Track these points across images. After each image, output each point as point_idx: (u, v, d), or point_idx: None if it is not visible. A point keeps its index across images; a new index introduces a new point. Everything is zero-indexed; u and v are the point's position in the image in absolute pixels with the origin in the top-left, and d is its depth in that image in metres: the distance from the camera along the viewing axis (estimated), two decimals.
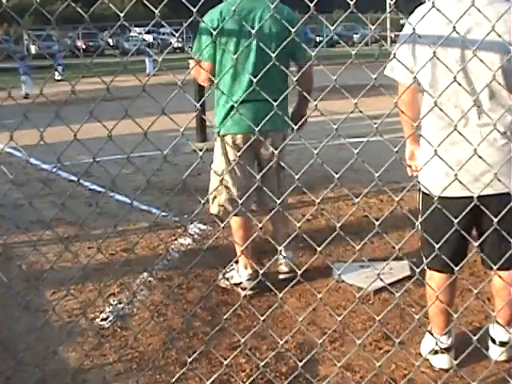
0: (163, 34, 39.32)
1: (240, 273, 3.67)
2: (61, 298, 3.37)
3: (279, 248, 1.65)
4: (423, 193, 2.54)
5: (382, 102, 6.01)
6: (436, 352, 2.71)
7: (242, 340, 2.03)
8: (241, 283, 3.64)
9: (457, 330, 2.86)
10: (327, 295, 3.48)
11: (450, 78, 2.33)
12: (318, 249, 1.85)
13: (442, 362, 2.71)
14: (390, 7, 26.37)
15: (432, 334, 2.70)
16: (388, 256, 3.98)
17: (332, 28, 1.52)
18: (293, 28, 3.14)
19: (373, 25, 1.61)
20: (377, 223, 1.57)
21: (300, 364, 1.88)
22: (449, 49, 2.43)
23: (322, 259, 3.85)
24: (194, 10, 1.49)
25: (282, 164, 3.42)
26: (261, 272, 1.78)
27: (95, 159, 1.66)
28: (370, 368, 2.70)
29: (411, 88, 2.49)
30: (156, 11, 1.59)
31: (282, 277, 3.69)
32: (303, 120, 3.19)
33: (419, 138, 2.73)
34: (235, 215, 3.59)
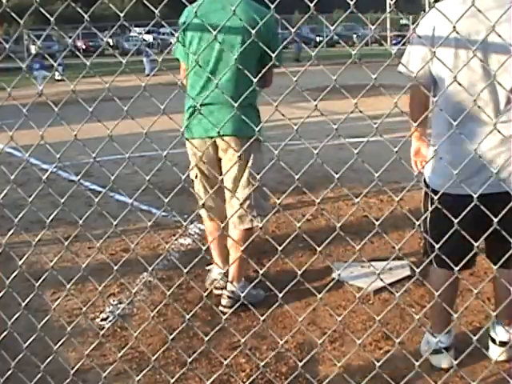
0: (163, 34, 39.32)
1: (213, 273, 3.66)
2: (61, 298, 3.37)
3: (279, 248, 1.65)
4: (433, 190, 2.52)
5: (382, 102, 6.01)
6: (436, 352, 2.71)
7: (242, 340, 2.03)
8: (214, 281, 3.60)
9: (457, 330, 2.86)
10: (327, 295, 3.48)
11: (470, 74, 2.36)
12: (318, 249, 1.85)
13: (442, 361, 2.71)
14: (389, 7, 26.37)
15: (432, 334, 2.70)
16: (388, 256, 3.98)
17: (332, 28, 1.52)
18: (267, 29, 3.06)
19: (373, 25, 1.61)
20: (377, 223, 1.57)
21: (300, 364, 1.88)
22: (470, 45, 2.36)
23: (321, 259, 3.85)
24: (194, 10, 1.49)
25: (251, 171, 3.29)
26: (261, 272, 1.78)
27: (95, 159, 1.66)
28: (370, 368, 2.70)
29: (424, 84, 2.50)
30: (156, 11, 1.59)
31: (221, 309, 3.39)
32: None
33: (426, 135, 2.73)
34: (209, 219, 3.53)
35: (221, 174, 3.38)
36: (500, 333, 2.72)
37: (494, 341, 2.74)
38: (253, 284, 1.91)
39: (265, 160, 3.40)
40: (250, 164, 3.32)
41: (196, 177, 3.48)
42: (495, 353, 2.72)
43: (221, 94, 3.12)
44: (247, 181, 3.35)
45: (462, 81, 2.33)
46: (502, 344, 2.72)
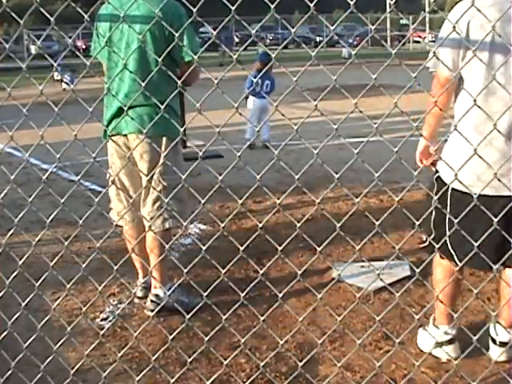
0: None
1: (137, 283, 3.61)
2: (61, 298, 3.37)
3: (279, 248, 1.65)
4: (453, 189, 2.49)
5: (382, 102, 6.01)
6: (441, 344, 2.73)
7: (242, 340, 2.03)
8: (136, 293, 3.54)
9: (457, 330, 2.86)
10: (327, 295, 3.48)
11: (494, 75, 2.27)
12: (318, 249, 1.85)
13: (451, 351, 2.73)
14: (389, 7, 26.36)
15: (437, 327, 2.71)
16: (388, 256, 3.98)
17: (332, 28, 1.52)
18: (176, 23, 2.98)
19: (373, 25, 1.61)
20: (377, 223, 1.57)
21: (300, 364, 1.88)
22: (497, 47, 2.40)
23: (321, 259, 3.85)
24: (194, 10, 1.49)
25: (161, 172, 3.23)
26: (261, 272, 1.78)
27: (95, 159, 1.66)
28: (370, 368, 2.70)
29: (450, 84, 2.49)
30: (156, 11, 1.59)
31: (145, 312, 3.40)
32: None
33: (437, 135, 2.73)
34: (125, 224, 3.44)
35: (135, 176, 3.31)
36: (501, 333, 2.73)
37: (494, 341, 2.74)
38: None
39: (179, 161, 3.30)
40: (160, 164, 3.22)
41: (108, 178, 3.41)
42: (495, 353, 2.72)
43: (130, 93, 3.10)
44: (156, 182, 3.26)
45: (487, 81, 2.35)
46: (502, 344, 2.72)
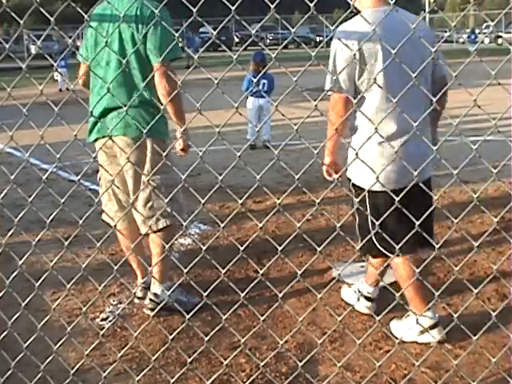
0: None
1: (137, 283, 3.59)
2: (61, 298, 3.37)
3: (279, 248, 1.65)
4: (369, 191, 2.67)
5: None
6: (425, 330, 2.85)
7: (242, 340, 2.03)
8: (137, 295, 3.51)
9: (456, 329, 2.86)
10: (327, 295, 3.48)
11: (391, 81, 2.64)
12: (318, 249, 1.85)
13: (436, 334, 2.86)
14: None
15: (417, 319, 2.80)
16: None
17: (332, 28, 1.52)
18: (150, 22, 2.93)
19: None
20: (377, 223, 1.57)
21: (300, 364, 1.88)
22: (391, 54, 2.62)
23: (321, 259, 3.85)
24: (194, 10, 1.49)
25: (149, 172, 3.18)
26: (261, 272, 1.78)
27: (95, 159, 1.66)
28: (370, 368, 2.70)
29: (349, 100, 2.74)
30: (156, 11, 1.59)
31: (145, 311, 3.39)
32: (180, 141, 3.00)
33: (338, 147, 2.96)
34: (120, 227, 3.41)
35: (124, 178, 3.28)
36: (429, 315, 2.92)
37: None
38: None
39: (168, 160, 3.28)
40: (146, 165, 3.20)
41: (99, 179, 3.40)
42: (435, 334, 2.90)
43: (123, 95, 3.08)
44: (145, 183, 3.23)
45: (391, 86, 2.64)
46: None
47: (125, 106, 3.09)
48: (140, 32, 3.12)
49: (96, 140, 3.29)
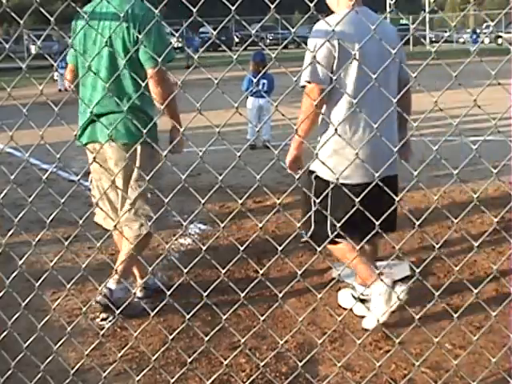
0: None
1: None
2: (61, 298, 3.37)
3: (279, 248, 1.65)
4: (331, 182, 2.85)
5: None
6: (358, 301, 3.15)
7: (242, 340, 2.03)
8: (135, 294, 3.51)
9: (456, 328, 2.85)
10: (327, 295, 3.48)
11: (362, 79, 2.81)
12: (318, 249, 1.85)
13: (362, 310, 3.13)
14: (389, 7, 26.36)
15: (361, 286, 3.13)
16: (388, 256, 3.98)
17: (332, 28, 1.52)
18: (142, 26, 2.94)
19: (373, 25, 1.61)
20: (377, 223, 1.57)
21: (300, 364, 1.88)
22: (366, 52, 2.84)
23: (321, 259, 3.84)
24: (194, 10, 1.49)
25: (137, 177, 3.19)
26: (261, 272, 1.78)
27: (95, 159, 1.66)
28: (370, 368, 2.70)
29: (322, 90, 2.86)
30: (156, 11, 1.59)
31: (96, 305, 3.31)
32: (174, 143, 2.95)
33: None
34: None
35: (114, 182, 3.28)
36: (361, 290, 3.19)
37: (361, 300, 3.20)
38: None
39: (155, 166, 3.17)
40: (135, 170, 3.19)
41: (91, 181, 3.40)
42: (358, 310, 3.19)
43: (104, 99, 3.06)
44: (132, 188, 3.24)
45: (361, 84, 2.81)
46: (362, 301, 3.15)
47: (115, 111, 3.09)
48: (132, 36, 3.09)
49: (86, 144, 3.29)
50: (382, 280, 2.96)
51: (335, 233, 2.93)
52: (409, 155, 3.21)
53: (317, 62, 2.90)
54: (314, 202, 2.92)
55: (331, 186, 2.84)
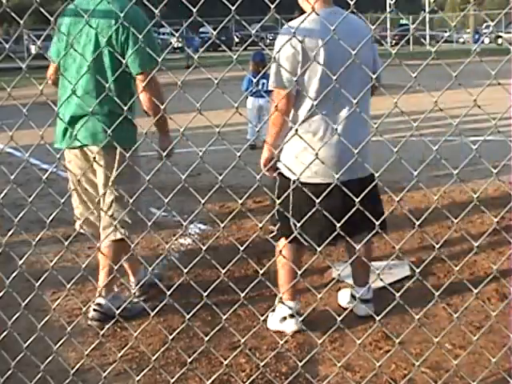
0: (163, 34, 39.23)
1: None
2: (61, 298, 3.37)
3: (279, 248, 1.65)
4: (293, 181, 2.84)
5: (382, 102, 6.01)
6: (285, 318, 3.09)
7: (242, 340, 2.03)
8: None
9: (456, 329, 2.85)
10: (327, 295, 3.48)
11: (325, 81, 2.79)
12: (318, 249, 1.85)
13: (292, 325, 3.07)
14: (389, 7, 26.36)
15: (284, 303, 3.10)
16: (388, 256, 3.98)
17: (332, 28, 1.52)
18: (131, 27, 2.90)
19: (373, 25, 1.61)
20: (377, 223, 1.57)
21: (300, 364, 1.88)
22: (330, 54, 2.85)
23: (321, 259, 3.84)
24: (194, 10, 1.49)
25: (116, 182, 3.12)
26: (261, 272, 1.78)
27: (95, 159, 1.65)
28: (370, 368, 2.70)
29: (291, 95, 2.90)
30: (156, 11, 1.59)
31: (92, 323, 3.27)
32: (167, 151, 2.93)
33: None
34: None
35: (95, 185, 3.26)
36: (362, 292, 3.21)
37: (354, 298, 3.26)
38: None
39: (134, 170, 2.91)
40: (113, 174, 3.14)
41: (70, 188, 3.34)
42: (360, 309, 3.18)
43: (83, 102, 3.01)
44: (109, 192, 3.21)
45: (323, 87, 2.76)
46: (364, 301, 3.20)
47: (95, 114, 3.05)
48: (120, 36, 3.05)
49: (67, 147, 3.24)
50: (287, 305, 3.07)
51: (292, 232, 2.91)
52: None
53: (281, 67, 2.90)
54: (279, 199, 2.87)
55: (292, 184, 2.86)
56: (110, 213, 3.24)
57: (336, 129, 2.69)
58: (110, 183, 3.17)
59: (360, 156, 2.46)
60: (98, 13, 3.05)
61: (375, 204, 3.02)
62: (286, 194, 2.84)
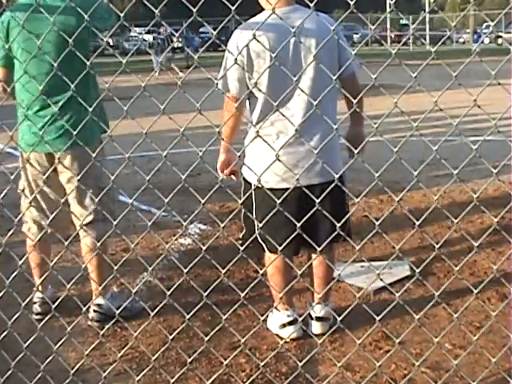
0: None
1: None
2: (61, 298, 3.37)
3: (279, 248, 1.65)
4: (258, 187, 2.79)
5: (382, 102, 6.01)
6: (284, 325, 3.03)
7: (242, 340, 2.03)
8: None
9: (456, 329, 2.85)
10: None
11: (282, 85, 2.67)
12: (318, 249, 1.85)
13: (293, 332, 3.00)
14: (389, 7, 26.36)
15: (279, 311, 3.04)
16: (388, 256, 3.98)
17: (332, 28, 1.52)
18: (87, 15, 2.81)
19: (373, 25, 1.61)
20: (377, 223, 1.57)
21: (300, 364, 1.88)
22: (282, 57, 2.77)
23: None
24: (194, 10, 1.49)
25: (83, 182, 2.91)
26: (261, 272, 1.79)
27: (95, 159, 1.66)
28: (370, 368, 2.70)
29: (239, 98, 2.85)
30: (156, 11, 1.59)
31: (89, 323, 3.26)
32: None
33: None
34: (40, 238, 3.10)
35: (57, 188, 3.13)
36: (317, 310, 3.05)
37: (311, 317, 3.07)
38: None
39: (99, 170, 2.93)
40: (78, 175, 2.95)
41: (23, 190, 3.26)
42: (314, 327, 3.05)
43: (56, 98, 2.94)
44: (77, 193, 3.11)
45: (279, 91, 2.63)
46: (319, 319, 3.05)
47: (61, 114, 2.95)
48: (79, 22, 2.88)
49: (31, 151, 3.08)
50: (285, 314, 3.03)
51: (255, 235, 2.85)
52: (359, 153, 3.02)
53: (227, 71, 2.86)
54: (243, 203, 2.81)
55: (253, 188, 2.86)
56: (84, 203, 3.16)
57: (296, 130, 2.51)
58: (74, 185, 3.04)
59: (322, 159, 2.38)
60: (52, 7, 2.90)
61: (338, 210, 2.77)
62: (246, 198, 2.85)
